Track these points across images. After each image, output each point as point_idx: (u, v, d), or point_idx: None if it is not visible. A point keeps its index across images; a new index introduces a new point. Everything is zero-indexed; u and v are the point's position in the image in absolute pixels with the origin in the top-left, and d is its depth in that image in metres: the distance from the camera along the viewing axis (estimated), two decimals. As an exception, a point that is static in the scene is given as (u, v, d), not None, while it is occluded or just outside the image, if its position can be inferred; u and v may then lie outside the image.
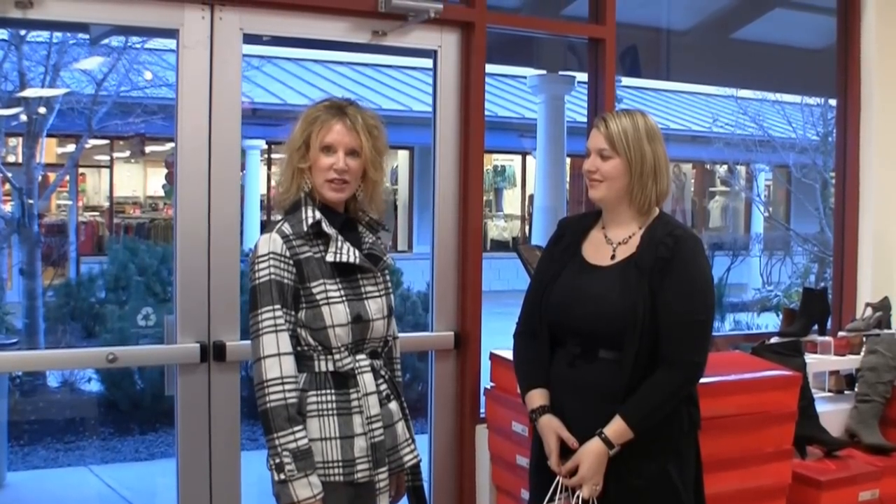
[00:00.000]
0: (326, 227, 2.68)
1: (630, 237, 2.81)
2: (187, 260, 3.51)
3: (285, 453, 2.55)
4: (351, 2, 3.77)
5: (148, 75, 9.76)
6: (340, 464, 2.63)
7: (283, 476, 2.56)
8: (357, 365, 2.69)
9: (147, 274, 8.39)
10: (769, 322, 11.35)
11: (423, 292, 8.23)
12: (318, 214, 2.68)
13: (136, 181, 16.26)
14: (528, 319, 2.93)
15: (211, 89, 3.54)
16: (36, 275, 8.52)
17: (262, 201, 14.15)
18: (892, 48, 5.19)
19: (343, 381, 2.67)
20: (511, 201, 19.15)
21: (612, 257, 2.80)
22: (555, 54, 7.06)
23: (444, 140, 4.03)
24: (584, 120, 4.78)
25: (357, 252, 2.71)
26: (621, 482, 2.69)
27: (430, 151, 4.07)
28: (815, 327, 4.73)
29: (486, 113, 4.11)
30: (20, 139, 9.45)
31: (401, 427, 2.81)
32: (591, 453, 2.67)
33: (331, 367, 2.66)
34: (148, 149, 13.23)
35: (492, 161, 18.29)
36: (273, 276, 2.61)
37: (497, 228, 18.73)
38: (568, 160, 9.48)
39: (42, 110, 8.71)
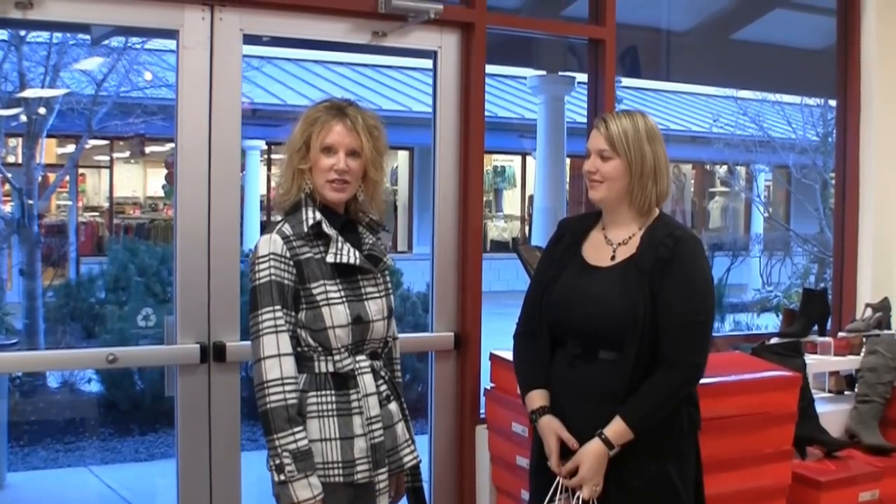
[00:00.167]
0: (327, 228, 2.68)
1: (630, 238, 2.81)
2: (187, 260, 3.51)
3: (285, 454, 2.55)
4: (351, 2, 3.77)
5: (148, 76, 9.76)
6: (340, 465, 2.63)
7: (283, 477, 2.56)
8: (357, 366, 2.69)
9: (147, 274, 8.39)
10: (769, 323, 11.36)
11: (423, 293, 8.23)
12: (318, 215, 2.68)
13: (136, 182, 16.26)
14: (528, 320, 2.93)
15: (211, 90, 3.54)
16: (36, 275, 8.52)
17: (261, 202, 14.15)
18: (892, 49, 5.19)
19: (343, 381, 2.67)
20: (511, 202, 19.15)
21: (613, 258, 2.80)
22: (555, 55, 7.05)
23: (444, 140, 4.03)
24: (584, 121, 4.78)
25: (357, 253, 2.71)
26: (621, 483, 2.69)
27: (430, 152, 4.07)
28: (815, 328, 4.73)
29: (486, 113, 4.11)
30: (20, 140, 9.45)
31: (400, 428, 2.81)
32: (591, 454, 2.67)
33: (331, 368, 2.66)
34: (148, 149, 13.22)
35: (492, 162, 18.29)
36: (273, 277, 2.61)
37: (497, 229, 18.74)
38: (568, 161, 9.47)
39: (42, 111, 8.71)
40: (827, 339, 4.69)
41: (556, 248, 2.93)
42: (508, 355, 3.40)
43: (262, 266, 2.63)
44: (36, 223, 8.73)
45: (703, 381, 2.77)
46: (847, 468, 4.07)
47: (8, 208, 9.57)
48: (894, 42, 5.20)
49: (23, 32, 8.11)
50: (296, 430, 2.57)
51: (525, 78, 9.92)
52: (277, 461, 2.56)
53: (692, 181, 18.69)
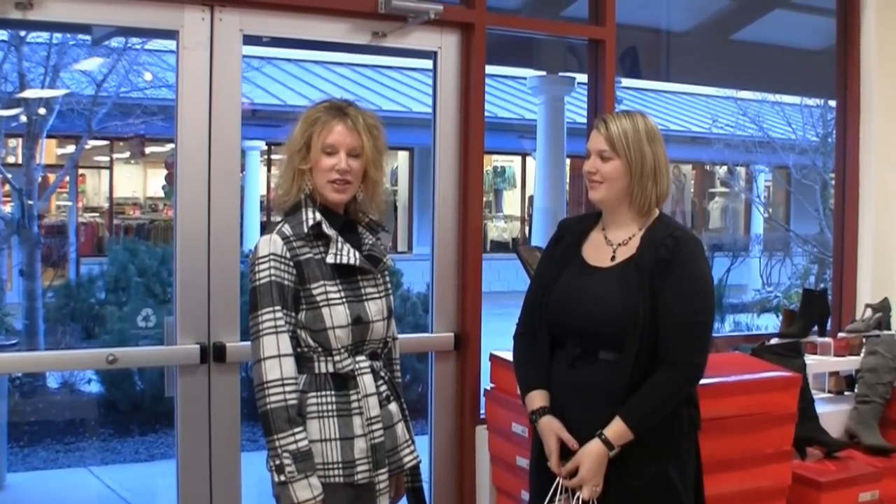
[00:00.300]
0: (327, 229, 2.68)
1: (630, 238, 2.81)
2: (187, 261, 3.51)
3: (285, 455, 2.55)
4: (351, 3, 3.77)
5: (148, 76, 9.76)
6: (340, 465, 2.63)
7: (283, 477, 2.56)
8: (357, 366, 2.69)
9: (147, 275, 8.39)
10: (769, 323, 11.36)
11: (423, 293, 8.23)
12: (318, 216, 2.68)
13: (136, 182, 16.27)
14: (528, 320, 2.93)
15: (211, 90, 3.53)
16: (36, 276, 8.52)
17: (261, 202, 14.16)
18: (892, 49, 5.19)
19: (343, 382, 2.67)
20: (511, 202, 19.15)
21: (613, 258, 2.80)
22: (555, 55, 7.05)
23: (444, 141, 4.03)
24: (584, 121, 4.78)
25: (357, 253, 2.71)
26: (621, 483, 2.69)
27: (430, 152, 4.08)
28: (815, 328, 4.73)
29: (486, 114, 4.11)
30: (20, 140, 9.46)
31: (400, 428, 2.81)
32: (591, 454, 2.67)
33: (331, 369, 2.66)
34: (148, 150, 13.22)
35: (492, 162, 18.29)
36: (273, 278, 2.61)
37: (497, 229, 18.74)
38: (568, 161, 9.47)
39: (42, 111, 8.70)
40: (827, 339, 4.69)
41: (556, 249, 2.93)
42: (508, 356, 3.40)
43: (262, 266, 2.63)
44: (36, 224, 8.73)
45: (703, 381, 2.77)
46: (847, 469, 4.07)
47: (8, 209, 9.57)
48: (894, 42, 5.20)
49: (23, 33, 8.11)
50: (296, 430, 2.57)
51: (525, 78, 9.93)
52: (277, 462, 2.56)
53: (692, 182, 18.70)
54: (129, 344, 7.22)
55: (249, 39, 3.67)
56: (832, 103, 6.19)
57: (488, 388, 3.92)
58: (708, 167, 17.43)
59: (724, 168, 15.33)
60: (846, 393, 4.71)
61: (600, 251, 2.84)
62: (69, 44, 8.63)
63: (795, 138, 12.87)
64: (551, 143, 9.01)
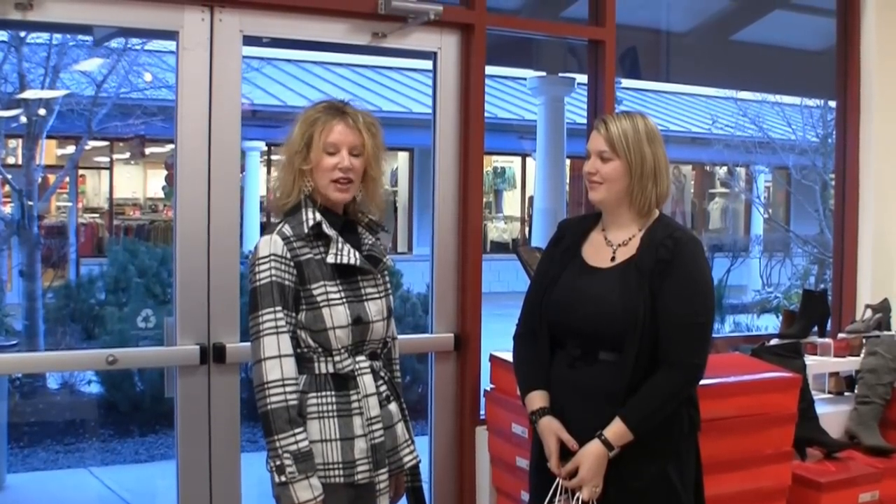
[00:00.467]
0: (327, 229, 2.68)
1: (630, 239, 2.81)
2: (187, 261, 3.51)
3: (286, 455, 2.55)
4: (351, 3, 3.78)
5: (148, 77, 9.76)
6: (341, 465, 2.63)
7: (283, 478, 2.56)
8: (357, 366, 2.69)
9: (147, 275, 8.39)
10: (769, 324, 11.36)
11: (423, 294, 8.23)
12: (318, 216, 2.68)
13: (136, 183, 16.26)
14: (528, 321, 2.93)
15: (211, 91, 3.54)
16: (36, 276, 8.52)
17: (261, 203, 14.15)
18: (892, 50, 5.19)
19: (343, 382, 2.67)
20: (511, 203, 19.15)
21: (612, 259, 2.80)
22: (555, 56, 7.06)
23: (444, 141, 4.03)
24: (584, 122, 4.79)
25: (357, 254, 2.72)
26: (621, 484, 2.69)
27: (430, 153, 4.08)
28: (815, 329, 4.73)
29: (486, 114, 4.11)
30: (20, 141, 9.45)
31: (400, 428, 2.81)
32: (591, 455, 2.67)
33: (331, 369, 2.66)
34: (148, 150, 13.21)
35: (492, 163, 18.29)
36: (274, 278, 2.61)
37: (497, 230, 18.74)
38: (568, 162, 9.48)
39: (42, 112, 8.71)
40: (827, 340, 4.69)
41: (556, 249, 2.93)
42: (508, 356, 3.40)
43: (262, 267, 2.63)
44: (36, 224, 8.73)
45: (703, 382, 2.77)
46: (847, 469, 4.07)
47: (8, 209, 9.57)
48: (894, 43, 5.20)
49: (23, 33, 8.11)
50: (297, 431, 2.57)
51: (525, 79, 9.93)
52: (278, 462, 2.56)
53: (692, 182, 18.70)
54: (129, 345, 7.22)
55: (249, 40, 3.67)
56: (832, 104, 6.20)
57: (488, 388, 3.92)
58: (708, 168, 17.43)
59: (724, 169, 15.33)
60: (846, 394, 4.71)
61: (600, 252, 2.84)
62: (69, 44, 8.64)
63: (795, 139, 12.88)
64: (551, 143, 9.02)
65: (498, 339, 3.90)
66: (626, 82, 10.32)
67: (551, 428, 2.76)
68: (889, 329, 4.81)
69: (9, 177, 8.85)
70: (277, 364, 2.59)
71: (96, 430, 7.62)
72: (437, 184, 4.04)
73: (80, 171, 14.28)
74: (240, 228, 3.77)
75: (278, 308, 2.60)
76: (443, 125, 4.03)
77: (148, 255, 8.68)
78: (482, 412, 4.00)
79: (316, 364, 2.66)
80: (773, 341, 4.56)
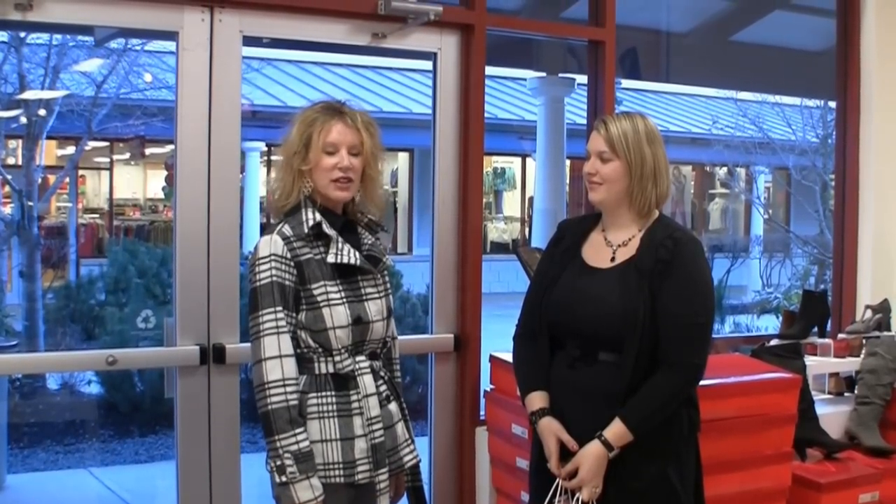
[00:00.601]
0: (327, 229, 2.68)
1: (630, 239, 2.81)
2: (187, 262, 3.51)
3: (287, 455, 2.55)
4: (351, 4, 3.78)
5: (148, 77, 9.76)
6: (341, 465, 2.63)
7: (284, 478, 2.56)
8: (357, 366, 2.69)
9: (147, 276, 8.39)
10: (769, 324, 11.35)
11: (423, 294, 8.23)
12: (318, 216, 2.69)
13: (136, 183, 16.26)
14: (527, 321, 2.93)
15: (210, 91, 3.54)
16: (36, 277, 8.52)
17: (261, 203, 14.15)
18: (892, 50, 5.19)
19: (343, 382, 2.67)
20: (511, 203, 19.14)
21: (612, 259, 2.80)
22: (555, 56, 7.07)
23: (444, 142, 4.03)
24: (584, 122, 4.78)
25: (357, 253, 2.72)
26: (621, 484, 2.69)
27: (430, 153, 4.08)
28: (815, 329, 4.73)
29: (486, 115, 4.11)
30: (20, 141, 9.45)
31: (400, 428, 2.81)
32: (591, 456, 2.67)
33: (331, 369, 2.66)
34: (148, 151, 13.22)
35: (492, 163, 18.28)
36: (274, 278, 2.61)
37: (497, 230, 18.73)
38: (568, 162, 9.48)
39: (42, 112, 8.70)
40: (827, 340, 4.69)
41: (555, 250, 2.93)
42: (508, 357, 3.39)
43: (262, 267, 2.63)
44: (36, 225, 8.72)
45: (702, 382, 2.77)
46: (847, 470, 4.07)
47: (8, 210, 9.57)
48: (894, 44, 5.20)
49: (23, 34, 8.11)
50: (297, 431, 2.57)
51: (525, 79, 9.93)
52: (279, 462, 2.56)
53: (692, 183, 18.69)
54: (129, 345, 7.22)
55: (249, 41, 3.67)
56: (832, 104, 6.20)
57: (488, 389, 3.92)
58: (708, 168, 17.42)
59: (724, 169, 15.32)
60: (846, 394, 4.71)
61: (600, 252, 2.84)
62: (69, 45, 8.64)
63: (795, 139, 12.87)
64: (551, 144, 9.02)
65: (498, 339, 3.90)
66: (626, 83, 10.32)
67: (551, 428, 2.76)
68: (889, 330, 4.81)
69: (9, 177, 8.84)
70: (278, 364, 2.59)
71: (96, 430, 7.62)
72: (437, 184, 4.04)
73: (80, 172, 14.28)
74: (240, 229, 3.77)
75: (279, 308, 2.60)
76: (443, 126, 4.03)
77: (148, 256, 8.68)
78: (482, 413, 4.00)
79: (316, 364, 2.66)
80: (773, 342, 4.56)
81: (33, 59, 8.68)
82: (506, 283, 11.52)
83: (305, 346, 2.66)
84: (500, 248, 17.59)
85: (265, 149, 14.08)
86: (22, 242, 8.65)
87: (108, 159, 14.82)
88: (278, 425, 2.56)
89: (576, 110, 8.26)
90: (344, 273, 2.69)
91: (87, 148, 10.46)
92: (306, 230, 2.67)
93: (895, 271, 5.19)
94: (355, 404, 2.67)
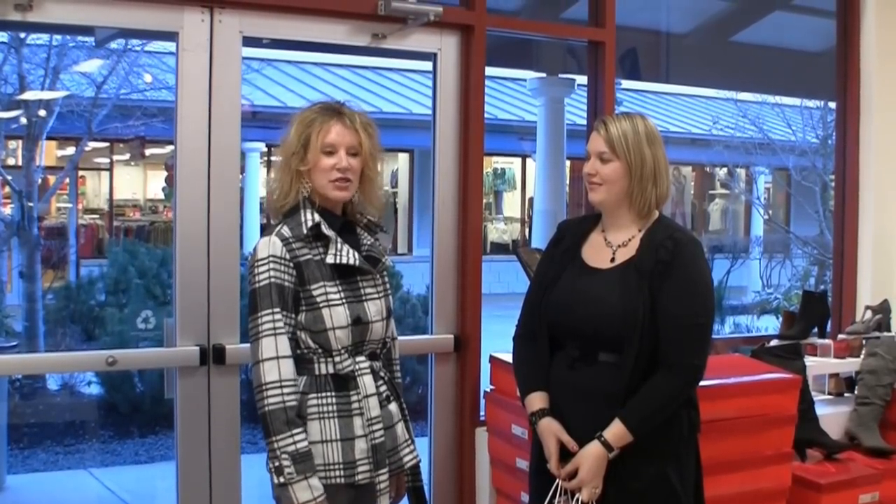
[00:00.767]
0: (326, 230, 2.68)
1: (630, 240, 2.81)
2: (187, 262, 3.51)
3: (284, 456, 2.55)
4: (350, 5, 3.78)
5: (148, 78, 9.76)
6: (341, 466, 2.63)
7: (282, 479, 2.56)
8: (357, 367, 2.69)
9: (147, 277, 8.39)
10: (769, 325, 11.34)
11: (423, 295, 8.23)
12: (316, 217, 2.69)
13: (136, 184, 16.26)
14: (527, 322, 2.93)
15: (210, 92, 3.54)
16: (36, 278, 8.52)
17: (261, 204, 14.13)
18: (892, 51, 5.19)
19: (343, 383, 2.67)
20: (511, 204, 19.14)
21: (612, 260, 2.80)
22: (555, 57, 7.07)
23: (444, 143, 4.03)
24: (584, 123, 4.79)
25: (356, 254, 2.72)
26: (621, 485, 2.69)
27: (430, 154, 4.08)
28: (815, 330, 4.73)
29: (486, 116, 4.11)
30: (20, 142, 9.45)
31: (400, 428, 2.81)
32: (591, 456, 2.67)
33: (331, 370, 2.66)
34: (148, 151, 13.22)
35: (492, 164, 18.28)
36: (273, 280, 2.61)
37: (497, 231, 18.73)
38: (568, 163, 9.47)
39: (42, 113, 8.70)
40: (827, 341, 4.69)
41: (555, 250, 2.93)
42: (508, 357, 3.39)
43: (261, 269, 2.63)
44: (36, 225, 8.72)
45: (702, 383, 2.77)
46: (847, 470, 4.07)
47: (8, 210, 9.57)
48: (894, 44, 5.20)
49: (23, 35, 8.11)
50: (294, 431, 2.57)
51: (525, 80, 9.93)
52: (277, 463, 2.56)
53: (692, 183, 18.69)
54: (129, 346, 7.21)
55: (249, 41, 3.67)
56: (832, 105, 6.20)
57: (488, 389, 3.92)
58: (708, 169, 17.41)
59: (724, 170, 15.31)
60: (846, 395, 4.71)
61: (600, 253, 2.84)
62: (69, 46, 8.64)
63: (795, 140, 12.87)
64: (551, 144, 9.01)
65: (498, 340, 3.90)
66: (626, 83, 10.32)
67: (551, 429, 2.76)
68: (889, 330, 4.81)
69: (9, 178, 8.84)
70: (275, 365, 2.59)
71: (96, 431, 7.62)
72: (437, 185, 4.04)
73: (80, 173, 14.28)
74: (240, 229, 3.77)
75: (276, 309, 2.60)
76: (443, 126, 4.03)
77: (148, 257, 8.68)
78: (482, 413, 4.00)
79: (316, 365, 2.66)
80: (773, 342, 4.56)
81: (33, 60, 8.67)
82: (506, 283, 11.50)
83: (305, 346, 2.66)
84: (500, 248, 17.59)
85: (265, 149, 14.08)
86: (22, 243, 8.65)
87: (108, 160, 14.82)
88: (275, 426, 2.56)
89: (576, 111, 8.25)
90: (343, 274, 2.69)
91: (87, 148, 10.47)
92: (305, 231, 2.67)
93: (895, 272, 5.19)
94: (355, 405, 2.67)
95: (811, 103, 12.05)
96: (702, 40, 6.00)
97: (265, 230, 2.75)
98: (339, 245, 2.69)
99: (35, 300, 8.47)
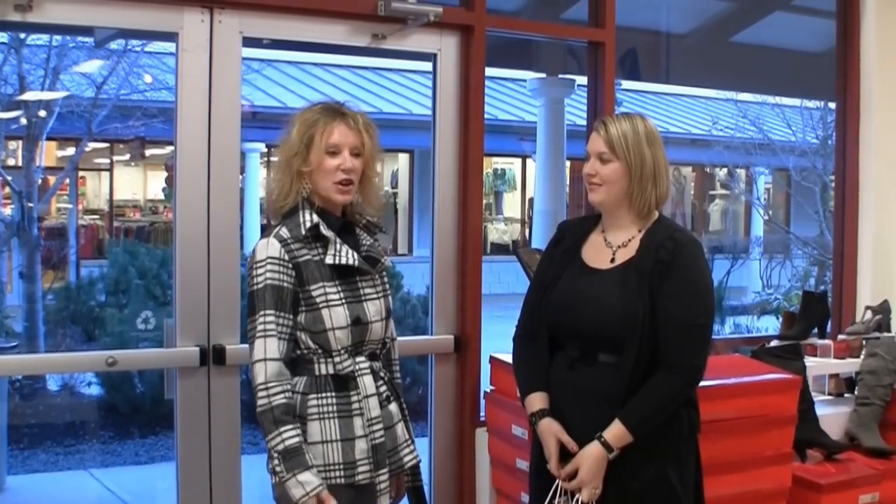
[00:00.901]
0: (325, 230, 2.68)
1: (630, 240, 2.81)
2: (187, 263, 3.51)
3: (275, 455, 2.57)
4: (351, 5, 3.78)
5: (148, 78, 9.76)
6: (341, 466, 2.63)
7: (276, 478, 2.58)
8: (357, 367, 2.69)
9: (147, 277, 8.39)
10: (769, 325, 11.34)
11: (423, 296, 8.23)
12: (315, 218, 2.68)
13: (136, 184, 16.26)
14: (527, 322, 2.93)
15: (210, 92, 3.54)
16: (36, 278, 8.52)
17: (261, 204, 14.12)
18: (892, 51, 5.19)
19: (343, 383, 2.67)
20: (511, 204, 19.14)
21: (612, 260, 2.80)
22: (555, 58, 7.07)
23: (444, 143, 4.03)
24: (584, 123, 4.79)
25: (355, 254, 2.72)
26: (621, 485, 2.69)
27: (430, 155, 4.08)
28: (815, 330, 4.73)
29: (486, 116, 4.11)
30: (20, 142, 9.45)
31: (400, 428, 2.81)
32: (591, 457, 2.67)
33: (331, 370, 2.66)
34: (148, 152, 13.23)
35: (492, 164, 18.28)
36: (269, 282, 2.61)
37: (497, 232, 18.72)
38: (568, 163, 9.47)
39: (42, 113, 8.70)
40: (827, 341, 4.69)
41: (555, 251, 2.93)
42: (508, 358, 3.39)
43: (259, 271, 2.63)
44: (36, 226, 8.72)
45: (702, 383, 2.77)
46: (847, 471, 4.07)
47: (8, 211, 9.57)
48: (894, 45, 5.20)
49: (23, 35, 8.11)
50: (283, 429, 2.56)
51: (525, 80, 9.93)
52: (272, 463, 2.58)
53: (692, 184, 18.69)
54: (129, 346, 7.20)
55: (249, 41, 3.67)
56: (832, 105, 6.20)
57: (488, 390, 3.92)
58: (708, 169, 17.40)
59: (724, 170, 15.31)
60: (846, 395, 4.71)
61: (600, 253, 2.84)
62: (69, 46, 8.63)
63: (795, 140, 12.86)
64: (551, 145, 9.01)
65: (498, 340, 3.90)
66: (626, 84, 10.32)
67: (551, 429, 2.76)
68: (889, 331, 4.81)
69: (9, 178, 8.84)
70: (262, 367, 2.60)
71: (96, 431, 7.62)
72: (437, 185, 4.04)
73: (81, 173, 14.28)
74: (240, 230, 3.77)
75: (269, 311, 2.61)
76: (443, 127, 4.03)
77: (148, 257, 8.68)
78: (482, 414, 4.00)
79: (316, 365, 2.66)
80: (773, 343, 4.56)
81: (33, 60, 8.67)
82: (506, 284, 11.50)
83: (305, 347, 2.66)
84: (500, 249, 17.58)
85: (265, 150, 14.08)
86: (22, 244, 8.65)
87: (108, 160, 14.82)
88: (265, 427, 2.58)
89: (576, 111, 8.25)
90: (342, 274, 2.69)
91: (87, 149, 10.47)
92: (304, 232, 2.66)
93: (895, 272, 5.19)
94: (355, 405, 2.67)
95: (811, 104, 12.05)
96: (702, 41, 6.00)
97: (265, 231, 2.75)
98: (338, 245, 2.68)
99: (35, 301, 8.47)
